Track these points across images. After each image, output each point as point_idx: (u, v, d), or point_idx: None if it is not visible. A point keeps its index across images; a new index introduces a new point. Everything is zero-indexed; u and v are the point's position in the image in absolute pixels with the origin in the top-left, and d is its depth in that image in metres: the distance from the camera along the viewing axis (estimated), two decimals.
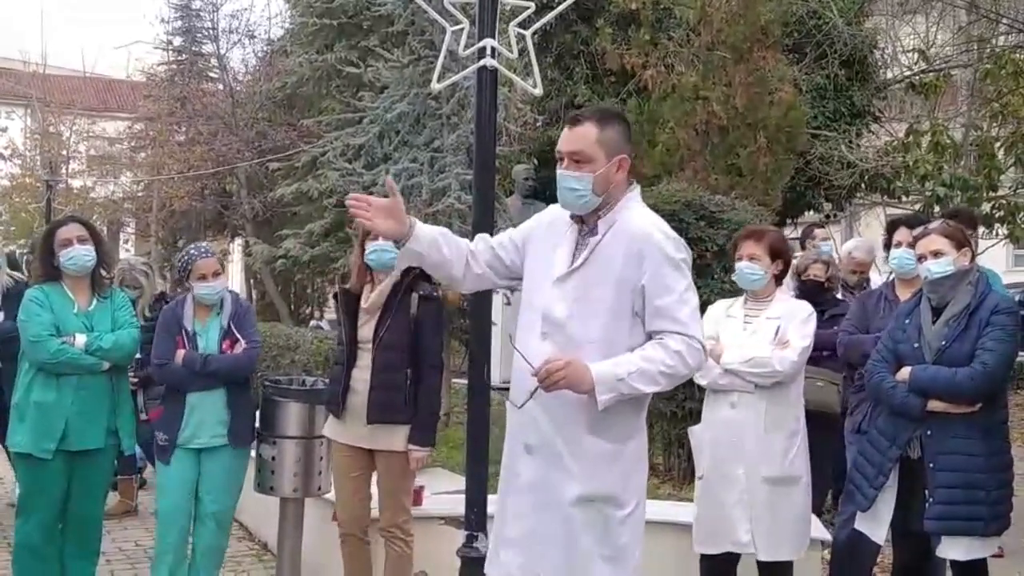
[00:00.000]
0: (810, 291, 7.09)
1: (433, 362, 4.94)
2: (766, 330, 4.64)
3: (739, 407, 4.60)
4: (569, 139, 3.31)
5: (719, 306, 4.93)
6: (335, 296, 5.15)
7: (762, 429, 4.56)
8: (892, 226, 5.62)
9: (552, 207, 3.50)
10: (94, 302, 5.12)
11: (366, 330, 4.88)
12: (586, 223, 3.35)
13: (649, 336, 3.23)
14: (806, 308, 4.80)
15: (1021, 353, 4.87)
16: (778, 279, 4.79)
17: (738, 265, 4.74)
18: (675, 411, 6.67)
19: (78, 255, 5.02)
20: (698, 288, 6.91)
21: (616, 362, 3.12)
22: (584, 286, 3.25)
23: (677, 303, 3.19)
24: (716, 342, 4.64)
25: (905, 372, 4.31)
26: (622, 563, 3.27)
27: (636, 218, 3.31)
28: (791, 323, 4.64)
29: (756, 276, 4.71)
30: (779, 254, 4.75)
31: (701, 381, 4.70)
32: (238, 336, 5.07)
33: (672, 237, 3.29)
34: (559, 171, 3.32)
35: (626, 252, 3.23)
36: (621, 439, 3.27)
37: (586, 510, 3.23)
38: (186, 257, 5.17)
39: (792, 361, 4.54)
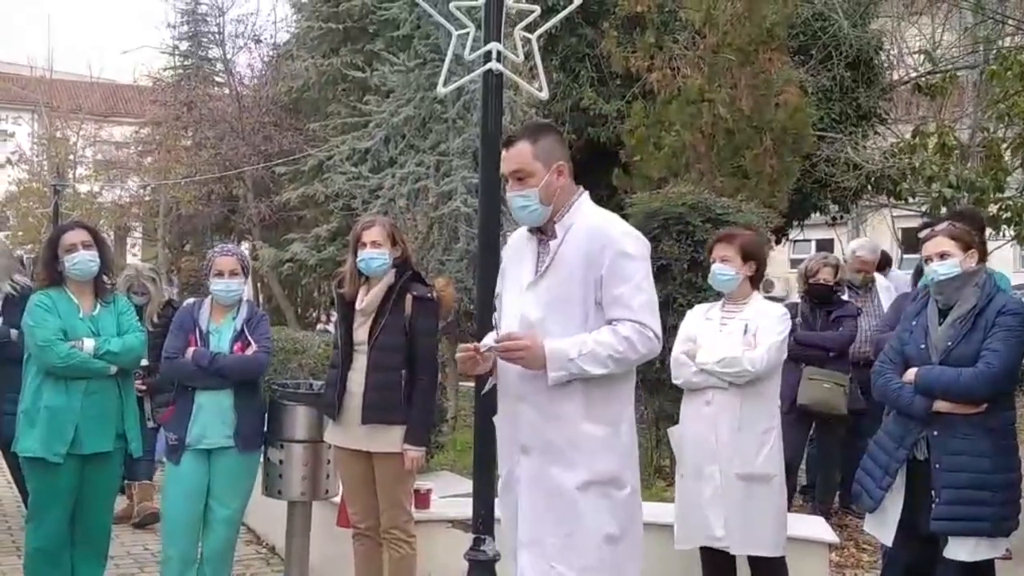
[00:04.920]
0: (818, 294, 7.11)
1: (428, 363, 4.96)
2: (738, 331, 4.77)
3: (714, 404, 4.73)
4: (507, 160, 3.54)
5: (699, 309, 5.10)
6: (331, 300, 5.20)
7: (736, 426, 4.68)
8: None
9: (514, 235, 3.71)
10: (98, 307, 5.14)
11: (361, 332, 4.89)
12: (544, 231, 3.54)
13: (608, 323, 3.37)
14: (779, 309, 4.97)
15: None
16: (753, 281, 4.91)
17: (712, 268, 4.90)
18: None
19: (83, 260, 5.04)
20: (704, 290, 6.94)
21: (572, 342, 3.30)
22: (552, 287, 3.44)
23: (632, 291, 3.35)
24: (693, 343, 4.82)
25: (911, 373, 4.33)
26: (625, 541, 3.43)
27: (591, 218, 3.50)
28: (762, 324, 4.75)
29: (726, 277, 4.84)
30: (751, 256, 4.87)
31: (676, 381, 4.90)
32: (250, 340, 5.10)
33: (629, 232, 3.47)
34: (507, 193, 3.54)
35: (586, 249, 3.41)
36: (614, 423, 3.44)
37: (591, 493, 3.38)
38: (210, 254, 5.28)
39: (763, 359, 4.65)
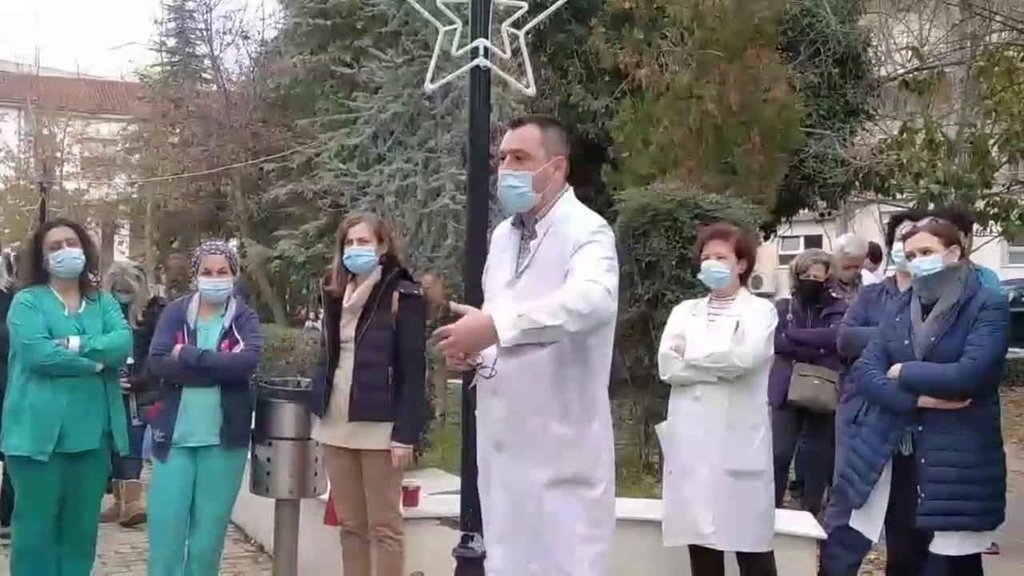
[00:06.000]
0: (809, 290, 7.11)
1: (415, 360, 4.95)
2: (727, 327, 4.76)
3: (703, 400, 4.72)
4: (512, 138, 3.52)
5: (685, 305, 5.08)
6: (319, 298, 5.18)
7: (725, 422, 4.67)
8: (895, 222, 5.66)
9: (497, 229, 3.69)
10: (83, 304, 5.12)
11: (348, 330, 4.89)
12: (526, 227, 3.52)
13: None
14: (766, 304, 4.94)
15: (1012, 349, 4.89)
16: (742, 278, 4.90)
17: (705, 264, 4.86)
18: None
19: (67, 258, 5.02)
20: (693, 286, 6.92)
21: (517, 305, 3.22)
22: (530, 286, 3.42)
23: (585, 258, 3.26)
24: (681, 339, 4.80)
25: (895, 369, 4.34)
26: (599, 542, 3.43)
27: (570, 217, 3.47)
28: (750, 318, 4.75)
29: (723, 274, 4.82)
30: (744, 253, 4.87)
31: (664, 376, 4.88)
32: (238, 338, 5.08)
33: (596, 222, 3.43)
34: (500, 170, 3.49)
35: (561, 250, 3.37)
36: (583, 422, 3.42)
37: (560, 493, 3.38)
38: (198, 252, 5.24)
39: (751, 355, 4.65)
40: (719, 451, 4.64)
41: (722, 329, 4.75)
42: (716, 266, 4.81)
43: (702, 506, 4.63)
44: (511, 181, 3.45)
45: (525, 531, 3.40)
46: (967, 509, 4.16)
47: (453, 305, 3.31)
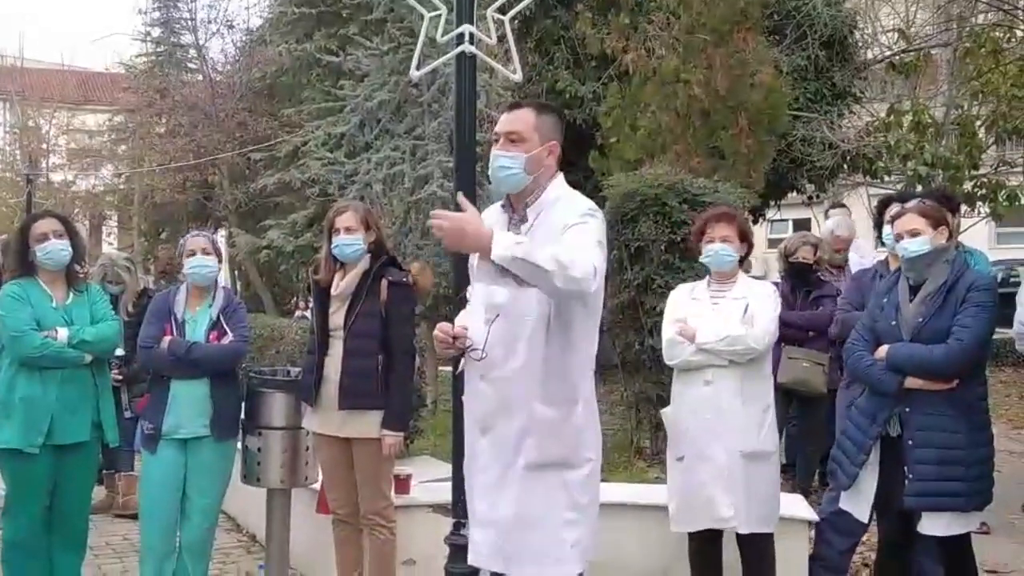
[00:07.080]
0: (798, 272, 7.12)
1: (405, 348, 4.95)
2: (734, 310, 4.76)
3: (714, 383, 4.70)
4: (507, 120, 3.52)
5: (682, 290, 5.06)
6: (308, 287, 5.16)
7: (739, 404, 4.67)
8: (883, 204, 5.67)
9: (486, 212, 3.65)
10: (71, 296, 5.10)
11: (337, 318, 4.88)
12: (516, 211, 3.51)
13: None
14: (768, 286, 4.99)
15: (999, 330, 4.89)
16: (741, 261, 4.91)
17: (712, 247, 4.83)
18: (661, 395, 6.68)
19: (54, 249, 5.00)
20: (682, 270, 6.89)
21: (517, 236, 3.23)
22: None
23: (581, 239, 3.24)
24: (684, 323, 4.79)
25: (883, 350, 4.35)
26: (584, 525, 3.45)
27: (561, 201, 3.47)
28: (757, 302, 4.76)
29: (731, 257, 4.83)
30: (745, 237, 4.89)
31: (671, 362, 4.85)
32: (226, 329, 5.05)
33: (586, 205, 3.43)
34: (492, 151, 3.49)
35: (552, 232, 3.33)
36: (567, 404, 3.43)
37: (543, 475, 3.39)
38: (182, 241, 5.21)
39: (764, 336, 4.68)
40: (733, 434, 4.63)
41: (729, 312, 4.74)
42: (725, 249, 4.80)
43: (721, 490, 4.62)
44: (503, 162, 3.44)
45: (507, 514, 3.41)
46: (954, 490, 4.17)
47: (461, 199, 3.28)
